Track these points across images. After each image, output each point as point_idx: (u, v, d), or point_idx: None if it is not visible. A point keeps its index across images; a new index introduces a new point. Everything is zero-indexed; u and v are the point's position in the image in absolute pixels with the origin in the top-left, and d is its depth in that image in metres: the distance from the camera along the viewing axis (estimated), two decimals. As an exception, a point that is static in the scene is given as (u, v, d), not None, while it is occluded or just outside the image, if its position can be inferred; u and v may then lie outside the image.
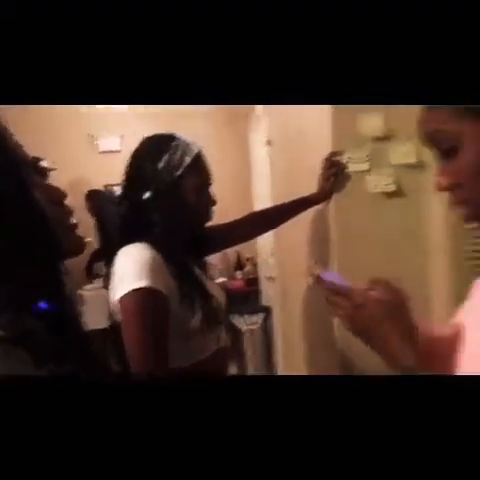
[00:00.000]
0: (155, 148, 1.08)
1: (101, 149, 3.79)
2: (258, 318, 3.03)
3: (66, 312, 0.54)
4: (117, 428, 0.44)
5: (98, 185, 3.69)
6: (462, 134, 0.53)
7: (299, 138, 1.65)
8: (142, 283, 0.93)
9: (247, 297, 3.55)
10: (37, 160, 0.76)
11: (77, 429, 0.44)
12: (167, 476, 0.43)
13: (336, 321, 1.34)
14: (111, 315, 1.00)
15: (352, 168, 1.29)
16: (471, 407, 0.42)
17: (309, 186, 1.38)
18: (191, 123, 3.54)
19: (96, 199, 3.41)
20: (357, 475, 0.43)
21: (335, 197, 1.34)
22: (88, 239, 2.51)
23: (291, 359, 2.04)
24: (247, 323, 2.99)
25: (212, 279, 1.23)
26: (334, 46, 0.53)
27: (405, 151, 1.24)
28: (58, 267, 0.54)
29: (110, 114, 3.70)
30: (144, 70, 0.55)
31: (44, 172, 0.68)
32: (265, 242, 2.99)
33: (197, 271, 1.13)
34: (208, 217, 1.15)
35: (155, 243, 1.01)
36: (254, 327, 3.01)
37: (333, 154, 1.30)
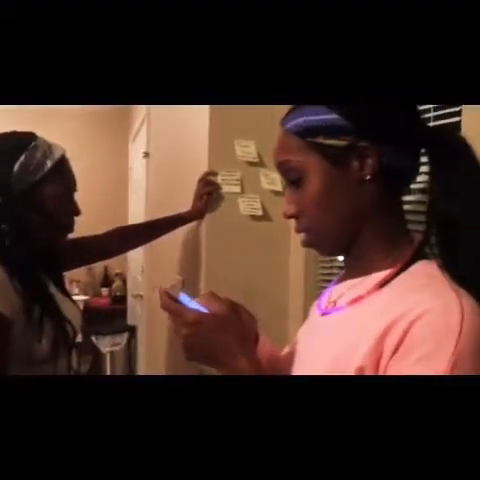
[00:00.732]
0: (10, 148, 0.95)
1: None
2: (122, 338, 2.88)
3: None
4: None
5: None
6: (307, 166, 0.56)
7: (176, 154, 1.63)
8: None
9: (112, 315, 3.36)
10: None
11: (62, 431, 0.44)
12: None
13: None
14: None
15: (225, 189, 1.31)
16: (462, 408, 0.42)
17: (184, 201, 1.37)
18: (64, 123, 3.31)
19: None
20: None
21: (207, 216, 1.34)
22: None
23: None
24: (110, 344, 2.81)
25: (70, 297, 1.11)
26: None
27: (273, 178, 1.30)
28: None
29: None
30: None
31: None
32: (135, 257, 2.89)
33: (52, 289, 1.02)
34: (69, 228, 1.05)
35: (2, 257, 0.90)
36: (116, 348, 2.85)
37: (208, 174, 1.31)
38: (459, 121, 0.82)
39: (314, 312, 0.66)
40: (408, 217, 0.62)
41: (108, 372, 2.78)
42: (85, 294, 3.38)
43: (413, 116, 0.57)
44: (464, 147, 0.55)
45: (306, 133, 0.56)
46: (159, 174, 2.01)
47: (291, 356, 0.66)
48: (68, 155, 1.03)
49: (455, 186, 0.54)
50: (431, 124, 0.87)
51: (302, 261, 1.34)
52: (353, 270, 0.60)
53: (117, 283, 3.55)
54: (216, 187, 1.30)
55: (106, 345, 2.81)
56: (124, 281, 3.53)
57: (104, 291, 3.57)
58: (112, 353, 2.83)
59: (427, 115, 0.88)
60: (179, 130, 1.60)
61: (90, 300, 3.35)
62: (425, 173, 0.60)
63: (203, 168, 1.32)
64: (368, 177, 0.54)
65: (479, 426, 0.41)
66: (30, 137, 0.98)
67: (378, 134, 0.54)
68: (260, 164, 1.31)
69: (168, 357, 1.76)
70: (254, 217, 1.32)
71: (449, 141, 0.56)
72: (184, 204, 1.36)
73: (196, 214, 1.34)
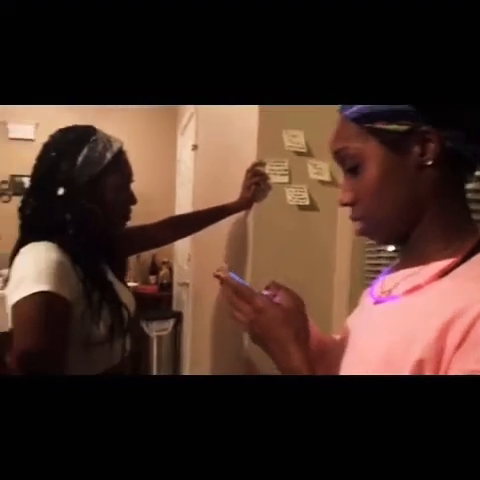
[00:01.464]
0: (73, 141, 1.00)
1: (11, 135, 3.51)
2: (168, 324, 2.97)
3: None
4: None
5: (4, 175, 3.41)
6: (365, 153, 0.55)
7: (225, 146, 1.66)
8: (41, 287, 0.84)
9: (159, 302, 3.48)
10: None
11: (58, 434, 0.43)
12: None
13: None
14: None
15: (273, 179, 1.33)
16: (458, 409, 0.42)
17: (231, 194, 1.40)
18: (117, 117, 3.42)
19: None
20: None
21: (255, 206, 1.36)
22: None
23: (198, 366, 2.02)
24: (157, 329, 2.91)
25: (126, 283, 1.17)
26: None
27: (320, 168, 1.31)
28: None
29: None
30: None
31: None
32: (182, 246, 2.96)
33: (110, 275, 1.06)
34: (126, 217, 1.10)
35: (65, 244, 0.94)
36: (163, 333, 2.95)
37: (256, 164, 1.33)
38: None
39: (366, 300, 0.65)
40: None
41: (155, 355, 2.89)
42: (134, 281, 3.51)
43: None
44: None
45: (365, 119, 0.55)
46: (207, 166, 2.05)
47: (342, 342, 0.65)
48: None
49: None
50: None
51: (349, 251, 1.34)
52: (409, 259, 0.58)
53: (164, 271, 3.66)
54: (264, 177, 1.32)
55: (153, 330, 2.91)
56: (170, 269, 3.63)
57: (152, 279, 3.70)
58: (159, 337, 2.93)
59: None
60: (227, 122, 1.63)
61: (139, 287, 3.47)
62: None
63: (251, 159, 1.34)
64: (430, 162, 0.53)
65: None
66: (91, 131, 1.02)
67: (441, 118, 0.52)
68: (308, 154, 1.32)
69: (212, 343, 1.81)
70: (301, 207, 1.33)
71: None
72: (231, 196, 1.39)
73: (244, 204, 1.37)
